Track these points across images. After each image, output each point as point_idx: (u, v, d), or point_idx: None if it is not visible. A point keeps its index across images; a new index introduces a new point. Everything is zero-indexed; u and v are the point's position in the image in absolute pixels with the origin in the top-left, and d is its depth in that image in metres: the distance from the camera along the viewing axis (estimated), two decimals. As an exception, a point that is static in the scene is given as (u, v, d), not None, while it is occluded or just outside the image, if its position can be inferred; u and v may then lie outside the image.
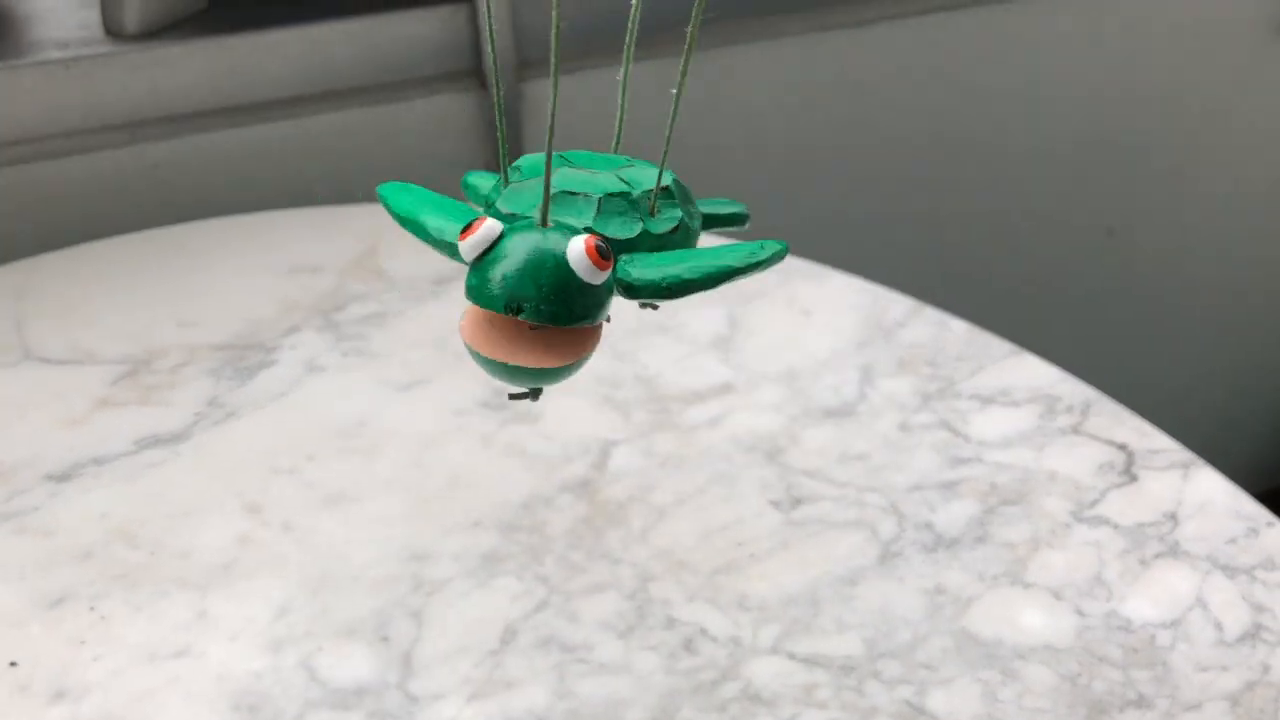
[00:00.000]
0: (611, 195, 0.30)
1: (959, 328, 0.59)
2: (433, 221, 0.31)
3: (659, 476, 0.51)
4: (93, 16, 0.70)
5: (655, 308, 0.31)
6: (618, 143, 0.33)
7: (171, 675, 0.42)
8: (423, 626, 0.44)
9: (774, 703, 0.41)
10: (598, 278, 0.27)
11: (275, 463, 0.51)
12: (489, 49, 0.29)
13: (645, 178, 0.31)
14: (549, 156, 0.28)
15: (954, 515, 0.49)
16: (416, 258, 0.63)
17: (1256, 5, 0.95)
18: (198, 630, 0.44)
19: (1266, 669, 0.43)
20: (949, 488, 0.50)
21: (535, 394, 0.30)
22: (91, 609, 0.45)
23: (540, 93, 0.75)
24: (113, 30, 0.69)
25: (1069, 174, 0.97)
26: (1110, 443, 0.52)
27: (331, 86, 0.72)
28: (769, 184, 0.87)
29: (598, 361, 0.56)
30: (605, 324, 0.30)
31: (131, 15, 0.68)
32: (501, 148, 0.31)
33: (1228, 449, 1.20)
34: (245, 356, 0.57)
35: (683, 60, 0.30)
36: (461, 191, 0.34)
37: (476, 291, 0.28)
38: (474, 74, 0.74)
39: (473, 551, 0.47)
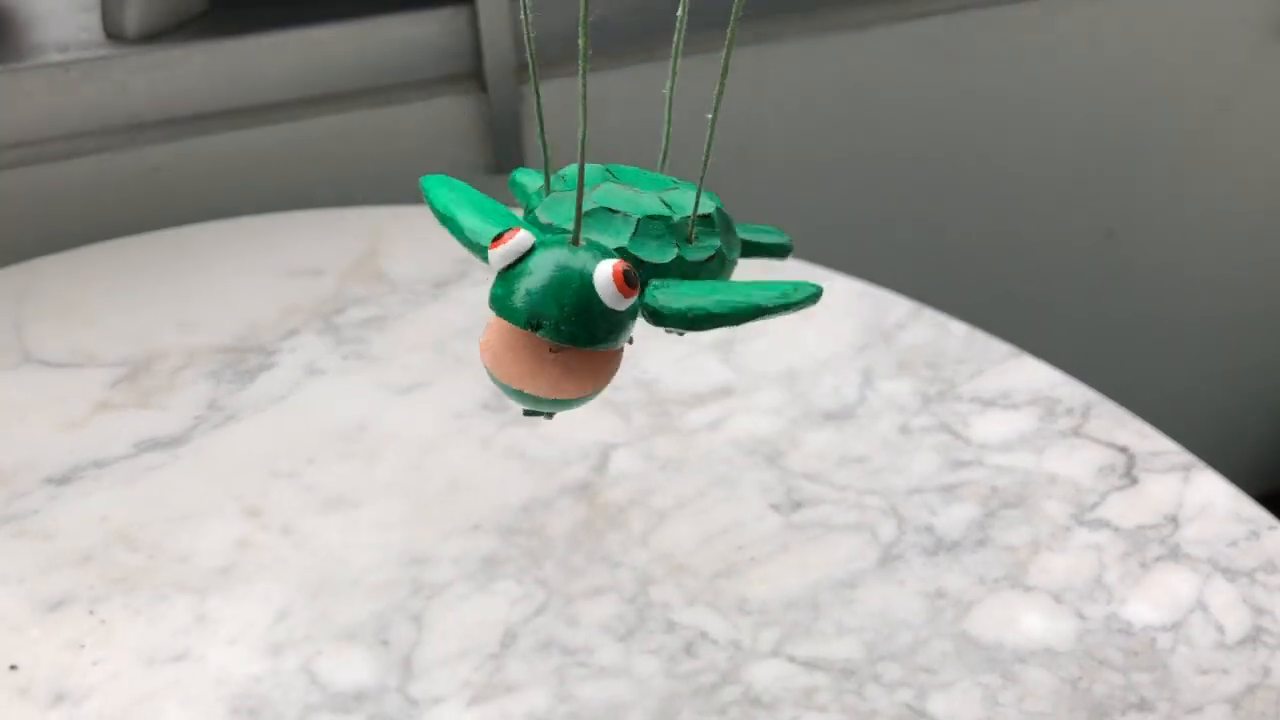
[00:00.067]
0: (651, 217, 0.30)
1: (959, 330, 0.59)
2: (469, 221, 0.31)
3: (659, 479, 0.51)
4: (93, 19, 0.70)
5: (681, 333, 0.31)
6: (664, 160, 0.32)
7: (171, 679, 0.42)
8: (423, 630, 0.44)
9: (774, 706, 0.41)
10: (622, 304, 0.27)
11: (275, 466, 0.51)
12: (528, 49, 0.29)
13: (687, 202, 0.31)
14: (581, 174, 0.28)
15: (954, 518, 0.49)
16: (416, 260, 0.63)
17: (1256, 7, 0.95)
18: (197, 634, 0.44)
19: (1267, 672, 0.43)
20: (949, 490, 0.50)
21: (550, 414, 0.29)
22: (91, 612, 0.44)
23: (541, 95, 0.75)
24: (113, 33, 0.69)
25: (1069, 176, 0.97)
26: (1111, 445, 0.52)
27: (332, 89, 0.72)
28: (768, 186, 0.87)
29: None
30: (627, 344, 0.30)
31: (132, 18, 0.68)
32: (545, 154, 0.31)
33: (1228, 451, 1.20)
34: (245, 359, 0.57)
35: (718, 87, 0.29)
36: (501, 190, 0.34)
37: (499, 302, 0.28)
38: (474, 77, 0.74)
39: (472, 555, 0.47)
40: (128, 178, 0.69)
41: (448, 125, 0.75)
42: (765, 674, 0.42)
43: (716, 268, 0.30)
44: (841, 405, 0.55)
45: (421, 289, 0.62)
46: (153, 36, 0.69)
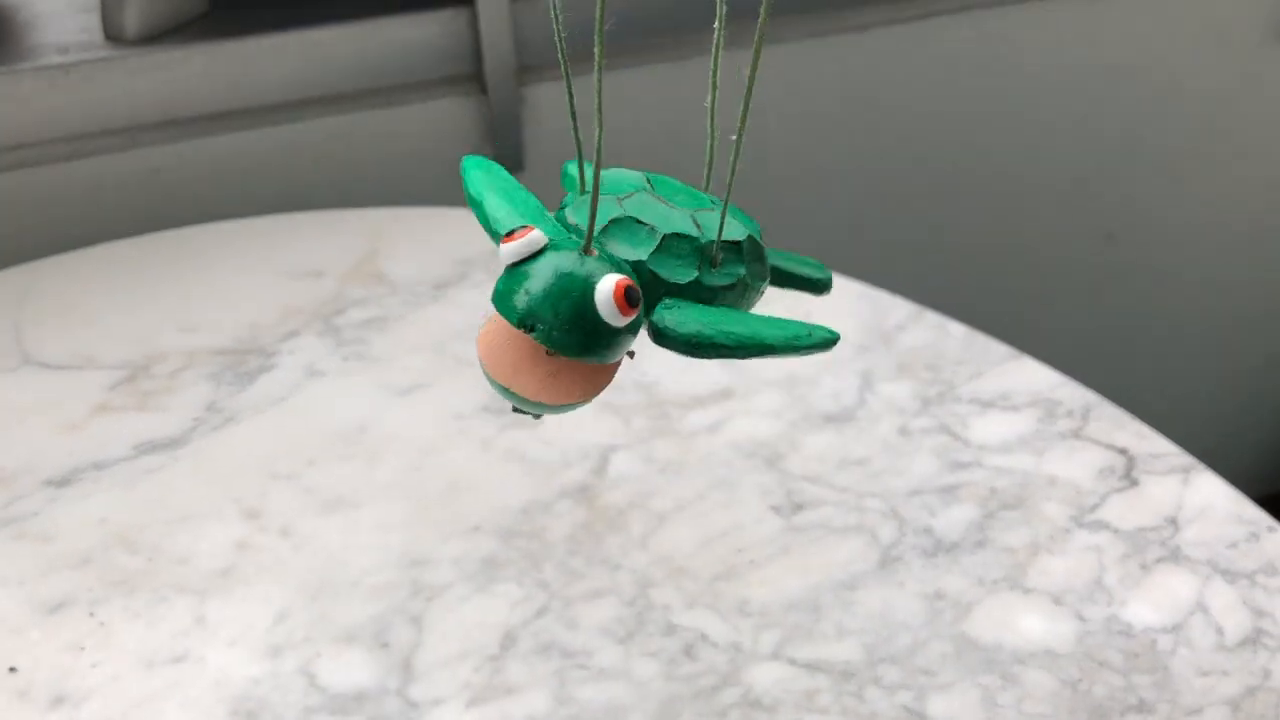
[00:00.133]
0: (678, 235, 0.29)
1: (958, 332, 0.59)
2: (495, 209, 0.31)
3: (659, 482, 0.51)
4: (93, 21, 0.70)
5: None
6: (709, 175, 0.32)
7: (170, 681, 0.42)
8: (422, 632, 0.44)
9: (774, 709, 0.41)
10: (619, 321, 0.27)
11: (274, 468, 0.51)
12: (559, 47, 0.29)
13: (718, 226, 0.30)
14: (595, 188, 0.28)
15: (954, 520, 0.49)
16: (417, 262, 0.63)
17: (1256, 9, 0.95)
18: (196, 636, 0.44)
19: (1267, 674, 0.43)
20: (949, 492, 0.50)
21: (537, 415, 0.29)
22: (90, 615, 0.44)
23: (540, 97, 0.75)
24: (113, 35, 0.69)
25: (1068, 177, 0.97)
26: (1110, 447, 0.52)
27: (332, 91, 0.72)
28: (768, 188, 0.87)
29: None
30: (627, 358, 0.30)
31: (132, 20, 0.68)
32: (579, 152, 0.31)
33: (1228, 453, 1.20)
34: (245, 361, 0.57)
35: (742, 109, 0.29)
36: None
37: (499, 297, 0.28)
38: (474, 78, 0.74)
39: (472, 557, 0.47)
40: (128, 179, 0.69)
41: (448, 127, 0.75)
42: (765, 676, 0.42)
43: (736, 296, 0.30)
44: (841, 407, 0.55)
45: (422, 290, 0.62)
46: (153, 38, 0.69)
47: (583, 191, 0.31)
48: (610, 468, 0.51)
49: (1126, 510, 0.49)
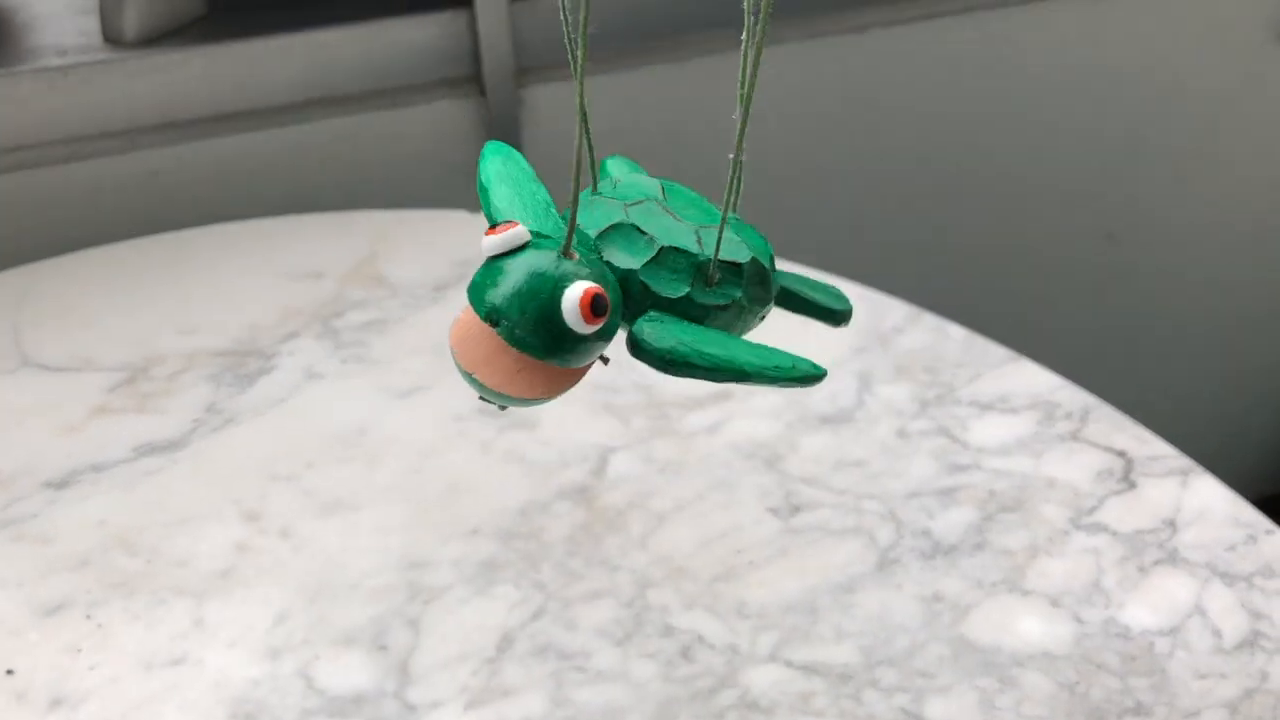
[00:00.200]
0: (676, 249, 0.29)
1: (957, 334, 0.59)
2: (498, 199, 0.31)
3: (657, 483, 0.51)
4: (92, 23, 0.70)
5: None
6: (729, 199, 0.32)
7: (169, 683, 0.42)
8: (420, 634, 0.44)
9: (771, 711, 0.41)
10: (584, 328, 0.27)
11: (273, 470, 0.51)
12: (568, 49, 0.28)
13: (726, 244, 0.30)
14: (575, 192, 0.28)
15: (952, 522, 0.49)
16: (416, 264, 0.64)
17: (1257, 10, 0.95)
18: (195, 638, 0.44)
19: (1265, 676, 0.43)
20: (947, 494, 0.50)
21: (502, 406, 0.29)
22: (89, 617, 0.45)
23: (539, 99, 0.75)
24: (112, 37, 0.69)
25: (1068, 179, 0.97)
26: (1109, 449, 0.52)
27: (331, 93, 0.72)
28: (766, 190, 0.87)
29: (595, 367, 0.56)
30: (603, 364, 0.29)
31: (131, 22, 0.68)
32: (590, 150, 0.30)
33: (1227, 455, 1.20)
34: (244, 363, 0.57)
35: (738, 128, 0.29)
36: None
37: (473, 288, 0.28)
38: (473, 80, 0.74)
39: (471, 559, 0.47)
40: (126, 181, 0.69)
41: (447, 128, 0.75)
42: (763, 678, 0.42)
43: (731, 318, 0.30)
44: (839, 409, 0.55)
45: (421, 292, 0.62)
46: (151, 40, 0.69)
47: (594, 193, 0.31)
48: (609, 469, 0.51)
49: (1125, 513, 0.49)
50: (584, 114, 0.28)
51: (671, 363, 0.28)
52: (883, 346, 0.58)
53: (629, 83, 0.77)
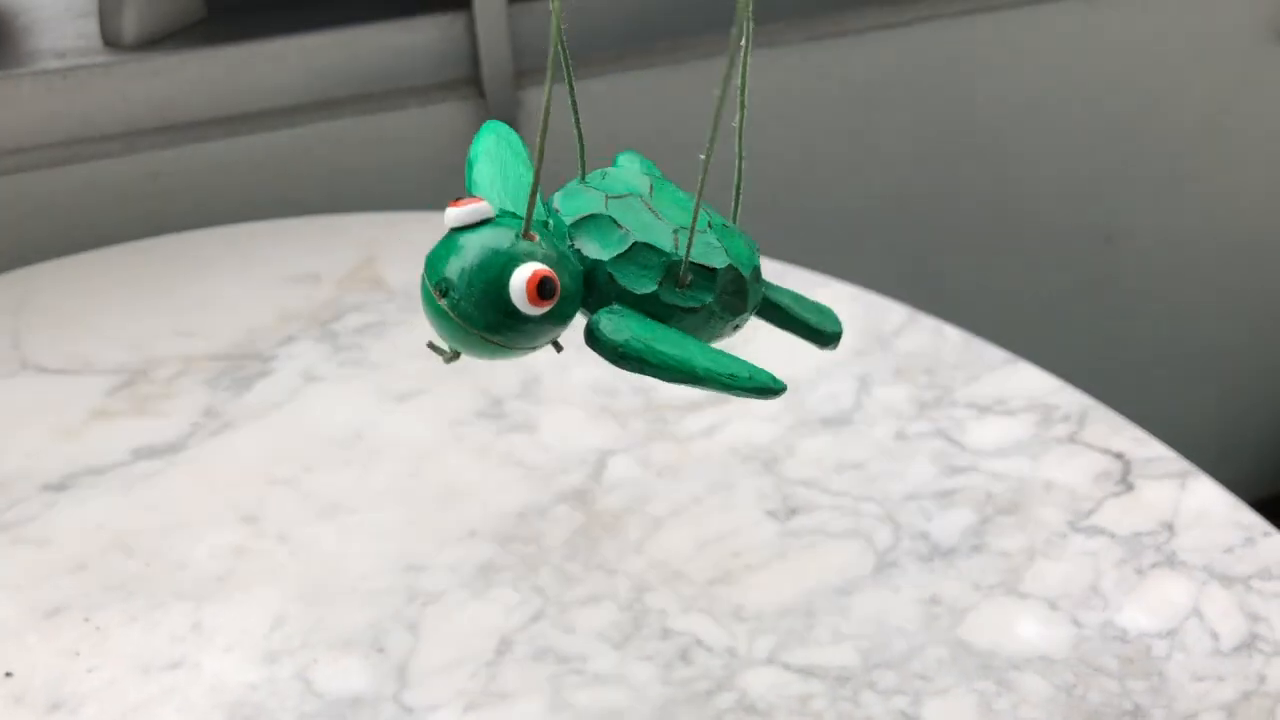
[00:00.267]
0: (648, 246, 0.29)
1: (955, 336, 0.59)
2: (479, 174, 0.31)
3: (655, 486, 0.51)
4: (91, 26, 0.70)
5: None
6: (735, 207, 0.32)
7: (167, 686, 0.42)
8: (418, 638, 0.44)
9: (769, 713, 0.41)
10: (529, 309, 0.27)
11: (271, 473, 0.51)
12: (560, 46, 0.29)
13: (705, 248, 0.30)
14: (536, 175, 0.28)
15: (950, 525, 0.49)
16: (414, 267, 0.63)
17: (1255, 10, 0.95)
18: (193, 642, 0.44)
19: (1263, 679, 0.43)
20: (945, 497, 0.50)
21: (450, 358, 0.29)
22: (87, 620, 0.45)
23: (537, 101, 0.75)
24: (111, 40, 0.69)
25: (1067, 181, 0.97)
26: (1107, 452, 0.52)
27: (329, 95, 0.72)
28: (765, 192, 0.87)
29: (594, 370, 0.57)
30: (556, 352, 0.29)
31: (129, 25, 0.68)
32: (580, 145, 0.31)
33: (1226, 457, 1.20)
34: (242, 366, 0.57)
35: (739, 123, 0.29)
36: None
37: (430, 256, 0.28)
38: (472, 82, 0.74)
39: (469, 562, 0.47)
40: (125, 184, 0.69)
41: (446, 131, 0.75)
42: (760, 681, 0.42)
43: (698, 323, 0.30)
44: (838, 412, 0.55)
45: (419, 296, 0.62)
46: (150, 43, 0.69)
47: (582, 182, 0.31)
48: (607, 472, 0.51)
49: (1122, 515, 0.49)
50: (573, 100, 0.28)
51: (624, 356, 0.28)
52: (881, 349, 0.58)
53: (627, 84, 0.77)
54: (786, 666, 0.43)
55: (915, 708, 0.42)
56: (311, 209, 0.72)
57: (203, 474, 0.51)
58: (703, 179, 0.29)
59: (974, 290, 0.97)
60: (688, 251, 0.29)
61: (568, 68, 0.28)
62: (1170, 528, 0.49)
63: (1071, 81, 0.92)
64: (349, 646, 0.44)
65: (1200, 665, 0.43)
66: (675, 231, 0.30)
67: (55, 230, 0.68)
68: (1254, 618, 0.45)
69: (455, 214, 0.28)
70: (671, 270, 0.29)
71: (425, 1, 0.73)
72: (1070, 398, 0.55)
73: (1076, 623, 0.45)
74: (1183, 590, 0.46)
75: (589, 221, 0.29)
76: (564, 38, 0.27)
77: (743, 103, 0.29)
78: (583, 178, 0.31)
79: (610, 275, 0.29)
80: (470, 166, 0.32)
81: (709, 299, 0.30)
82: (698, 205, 0.29)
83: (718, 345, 0.30)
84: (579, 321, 0.29)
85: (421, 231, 0.67)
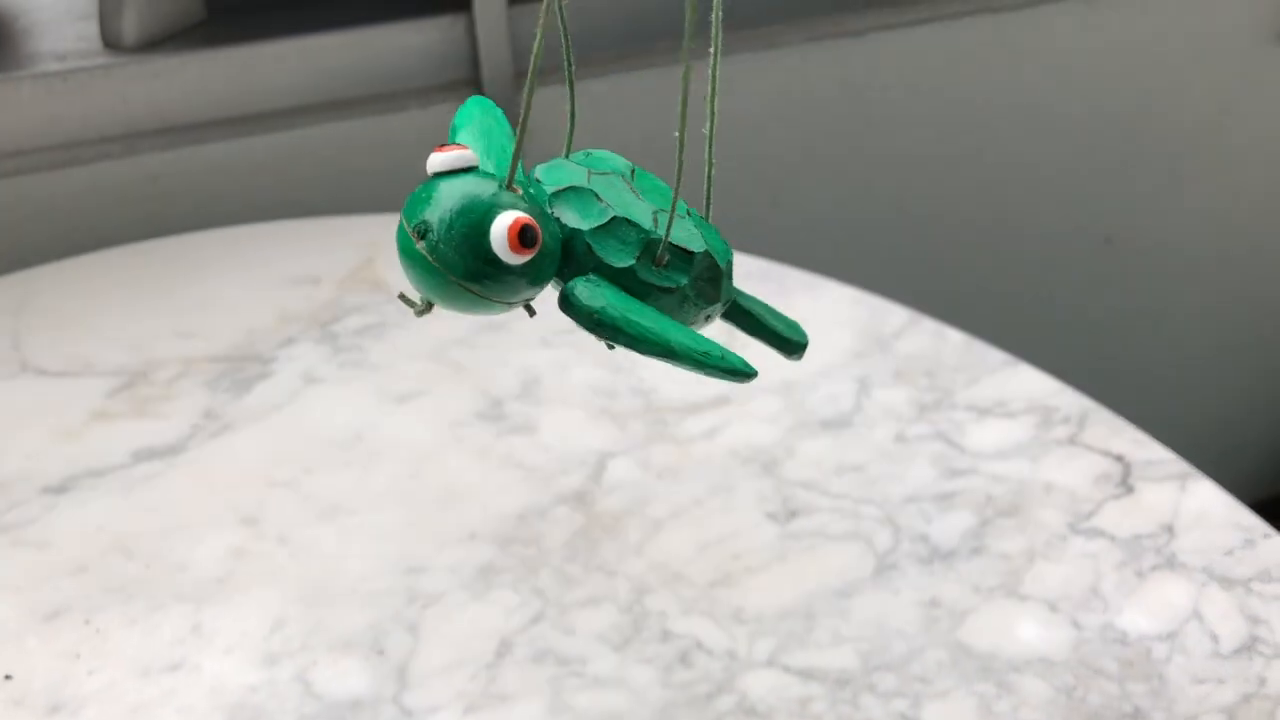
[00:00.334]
0: (629, 222, 0.29)
1: (955, 338, 0.59)
2: (463, 139, 0.31)
3: (655, 488, 0.51)
4: (91, 28, 0.70)
5: (611, 345, 0.30)
6: (679, 180, 0.32)
7: (167, 689, 0.42)
8: (418, 640, 0.44)
9: (769, 716, 0.41)
10: (510, 257, 0.27)
11: (271, 475, 0.51)
12: (563, 39, 0.29)
13: (684, 232, 0.30)
14: (522, 130, 0.28)
15: (950, 527, 0.49)
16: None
17: (1255, 12, 0.95)
18: (193, 644, 0.44)
19: (1263, 681, 0.43)
20: (945, 499, 0.50)
21: (422, 310, 0.29)
22: (87, 622, 0.45)
23: (537, 102, 0.75)
24: (111, 42, 0.69)
25: (1066, 182, 0.97)
26: (1107, 454, 0.52)
27: (329, 97, 0.72)
28: (765, 193, 0.87)
29: (594, 372, 0.57)
30: (527, 314, 0.29)
31: (130, 27, 0.68)
32: (571, 123, 0.30)
33: (1226, 459, 1.20)
34: (242, 368, 0.57)
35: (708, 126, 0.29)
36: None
37: (409, 201, 0.28)
38: (472, 84, 0.75)
39: (468, 564, 0.47)
40: (125, 186, 0.69)
41: (446, 132, 0.75)
42: (760, 684, 0.42)
43: (672, 304, 0.30)
44: (838, 414, 0.55)
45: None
46: (150, 45, 0.69)
47: (565, 158, 0.31)
48: (607, 474, 0.51)
49: (1122, 517, 0.49)
50: (570, 73, 0.28)
51: (600, 324, 0.28)
52: (881, 351, 0.58)
53: (628, 85, 0.77)
54: (786, 669, 0.43)
55: (915, 710, 0.42)
56: (312, 210, 0.72)
57: (203, 476, 0.51)
58: (679, 155, 0.29)
59: (973, 292, 0.97)
60: (668, 230, 0.30)
61: (566, 45, 0.28)
62: (1170, 530, 0.49)
63: (1071, 82, 0.92)
64: (349, 648, 0.44)
65: (1200, 667, 0.43)
66: (655, 213, 0.30)
67: (55, 232, 0.68)
68: (1254, 620, 0.45)
69: (439, 159, 0.28)
70: (649, 248, 0.29)
71: (425, 3, 0.73)
72: (1070, 400, 0.55)
73: (1076, 625, 0.45)
74: (1183, 592, 0.46)
75: (570, 193, 0.29)
76: (563, 10, 0.27)
77: (712, 111, 0.29)
78: (567, 154, 0.31)
79: (589, 246, 0.29)
80: (454, 133, 0.31)
81: (684, 281, 0.30)
82: (677, 186, 0.29)
83: None
84: (571, 325, 0.29)
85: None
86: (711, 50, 0.28)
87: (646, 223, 0.29)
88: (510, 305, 0.28)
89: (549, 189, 0.29)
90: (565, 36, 0.28)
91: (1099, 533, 0.49)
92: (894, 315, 0.61)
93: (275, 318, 0.60)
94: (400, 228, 0.28)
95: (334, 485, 0.51)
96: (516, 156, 0.28)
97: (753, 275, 0.60)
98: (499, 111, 0.32)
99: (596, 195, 0.29)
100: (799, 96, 0.84)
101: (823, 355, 0.58)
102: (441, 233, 0.27)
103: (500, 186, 0.28)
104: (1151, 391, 1.12)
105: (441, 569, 0.47)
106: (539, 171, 0.30)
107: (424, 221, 0.27)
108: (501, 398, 0.55)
